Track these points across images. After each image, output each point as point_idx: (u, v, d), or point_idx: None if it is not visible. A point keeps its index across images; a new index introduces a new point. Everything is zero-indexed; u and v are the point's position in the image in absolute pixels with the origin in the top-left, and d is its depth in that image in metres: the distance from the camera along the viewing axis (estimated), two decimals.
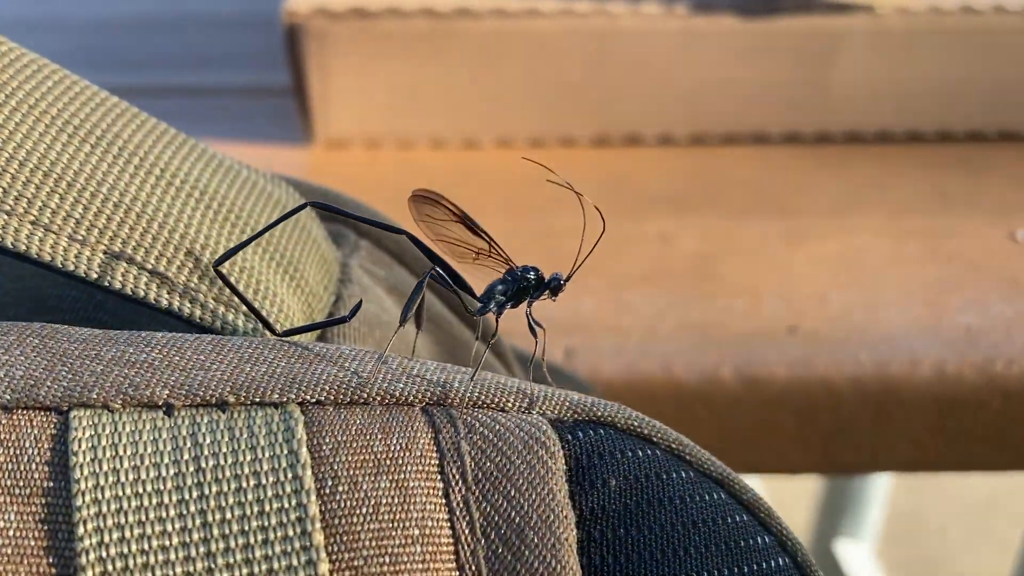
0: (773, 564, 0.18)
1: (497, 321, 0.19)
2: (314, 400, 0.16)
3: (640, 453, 0.18)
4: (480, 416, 0.17)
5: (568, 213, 0.51)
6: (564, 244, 0.47)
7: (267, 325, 0.19)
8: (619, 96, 0.56)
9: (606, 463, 0.17)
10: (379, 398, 0.17)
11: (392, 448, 0.16)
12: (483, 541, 0.16)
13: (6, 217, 0.17)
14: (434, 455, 0.16)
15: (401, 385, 0.17)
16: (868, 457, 0.41)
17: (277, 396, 0.16)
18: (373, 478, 0.15)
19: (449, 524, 0.16)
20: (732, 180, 0.54)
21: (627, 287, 0.44)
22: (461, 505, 0.16)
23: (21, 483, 0.15)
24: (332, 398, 0.16)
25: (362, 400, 0.17)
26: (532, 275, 0.20)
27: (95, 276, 0.18)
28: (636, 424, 0.18)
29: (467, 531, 0.16)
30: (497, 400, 0.17)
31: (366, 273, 0.24)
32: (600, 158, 0.56)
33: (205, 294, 0.19)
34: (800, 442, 0.40)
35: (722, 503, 0.18)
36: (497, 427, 0.17)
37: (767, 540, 0.18)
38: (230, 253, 0.19)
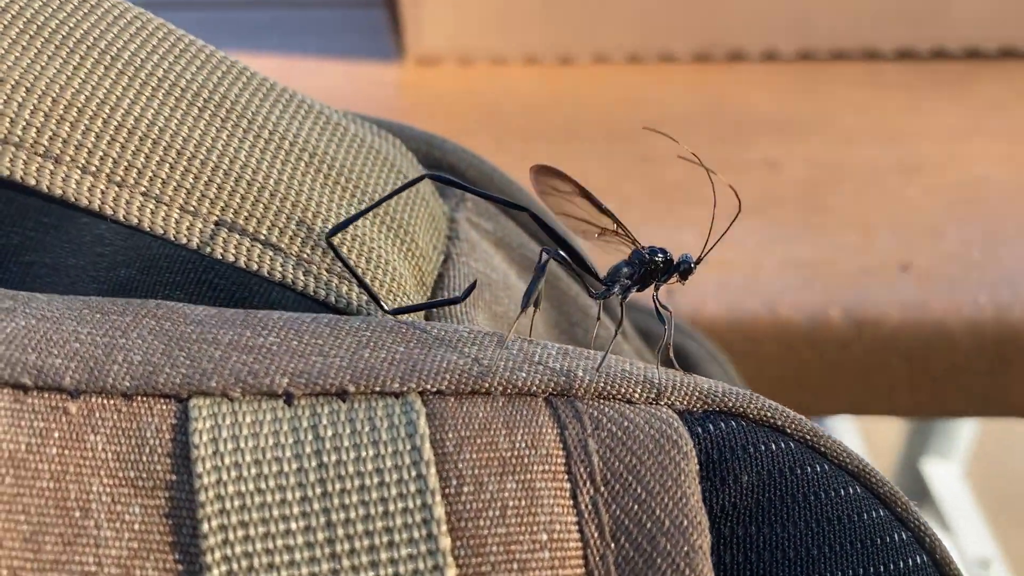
0: (911, 562, 0.17)
1: (622, 305, 0.18)
2: (435, 389, 0.16)
3: (773, 446, 0.17)
4: (606, 410, 0.16)
5: (667, 138, 0.49)
6: (663, 171, 0.46)
7: (377, 302, 0.18)
8: (722, 8, 0.53)
9: (738, 458, 0.16)
10: (501, 388, 0.16)
11: (517, 446, 0.15)
12: (613, 546, 0.15)
13: (117, 189, 0.17)
14: (560, 453, 0.15)
15: (523, 374, 0.16)
16: (980, 402, 0.39)
17: (398, 385, 0.16)
18: (499, 479, 0.15)
19: (578, 528, 0.15)
20: (841, 101, 0.51)
21: (729, 218, 0.42)
22: (590, 508, 0.15)
23: (144, 475, 0.15)
24: (453, 387, 0.16)
25: (484, 390, 0.16)
26: (660, 258, 0.19)
27: (208, 249, 0.17)
28: (769, 415, 0.17)
29: (596, 535, 0.15)
30: (623, 390, 0.16)
31: (473, 227, 0.24)
32: (701, 75, 0.54)
33: (318, 265, 0.18)
34: (909, 386, 0.38)
35: (858, 498, 0.17)
36: (625, 423, 0.16)
37: (904, 536, 0.17)
38: (343, 225, 0.18)
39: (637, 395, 0.16)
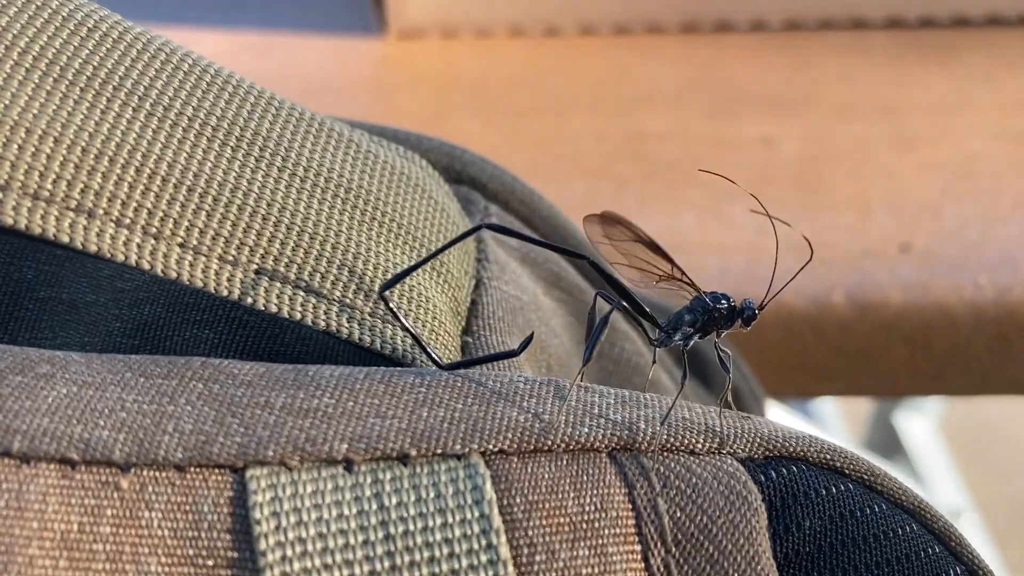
0: None
1: (684, 354, 0.18)
2: (497, 449, 0.15)
3: (834, 490, 0.17)
4: (672, 464, 0.16)
5: (660, 111, 0.49)
6: (657, 149, 0.45)
7: (432, 359, 0.18)
8: None
9: (800, 504, 0.16)
10: (563, 444, 0.15)
11: (586, 509, 0.15)
12: None
13: (154, 242, 0.16)
14: (630, 515, 0.15)
15: (586, 429, 0.16)
16: (979, 381, 0.39)
17: (459, 446, 0.15)
18: (570, 545, 0.15)
19: None
20: (830, 73, 0.51)
21: (728, 199, 0.42)
22: (662, 570, 0.15)
23: (204, 553, 0.14)
24: (516, 446, 0.15)
25: (546, 447, 0.15)
26: (723, 305, 0.18)
27: (249, 299, 0.17)
28: (828, 457, 0.17)
29: None
30: (687, 441, 0.16)
31: (499, 245, 0.23)
32: (688, 47, 0.53)
33: (361, 310, 0.18)
34: (910, 367, 0.39)
35: (915, 536, 0.17)
36: (693, 479, 0.15)
37: (959, 571, 0.17)
38: (396, 279, 0.17)
39: (700, 445, 0.16)
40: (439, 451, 0.15)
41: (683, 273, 0.18)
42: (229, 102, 0.18)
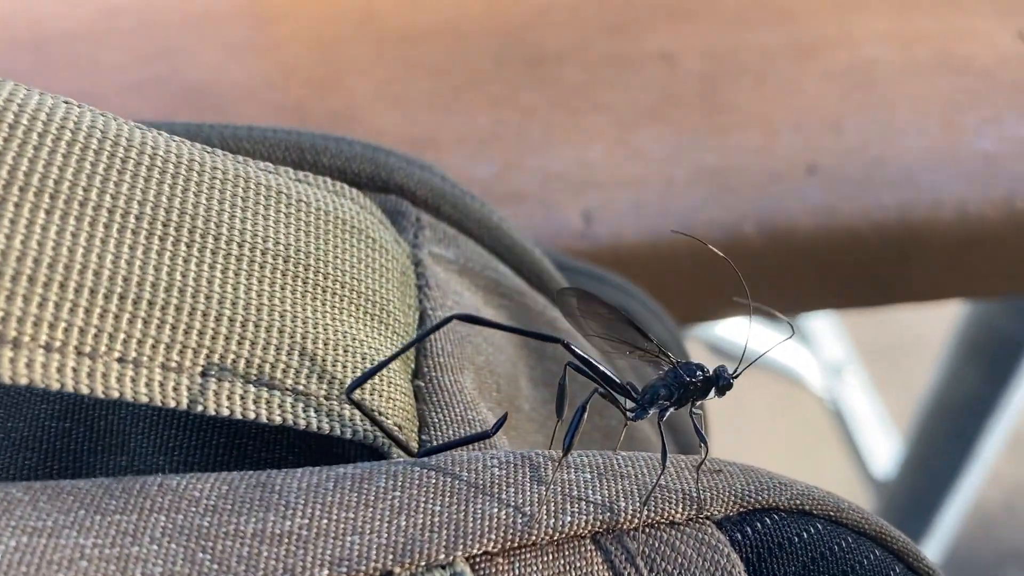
0: None
1: (661, 427, 0.17)
2: (481, 552, 0.15)
3: (804, 535, 0.17)
4: (656, 545, 0.15)
5: (558, 28, 0.47)
6: (560, 73, 0.44)
7: (404, 448, 0.17)
8: None
9: (775, 557, 0.17)
10: (547, 537, 0.15)
11: None
12: None
13: (90, 362, 0.15)
14: None
15: (568, 518, 0.15)
16: (885, 293, 0.41)
17: (443, 555, 0.15)
18: None
19: None
20: None
21: (634, 125, 0.41)
22: None
23: None
24: (500, 546, 0.15)
25: (531, 542, 0.15)
26: (699, 376, 0.18)
27: (199, 407, 0.15)
28: (798, 503, 0.17)
29: None
30: (666, 513, 0.16)
31: (437, 261, 0.22)
32: None
33: (316, 395, 0.17)
34: (819, 287, 0.40)
35: (879, 561, 0.18)
36: (678, 558, 0.15)
37: None
38: (361, 380, 0.16)
39: (680, 515, 0.16)
40: (423, 563, 0.15)
41: (658, 346, 0.18)
42: (148, 180, 0.16)
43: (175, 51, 0.43)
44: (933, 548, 0.88)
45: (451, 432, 0.19)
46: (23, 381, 0.14)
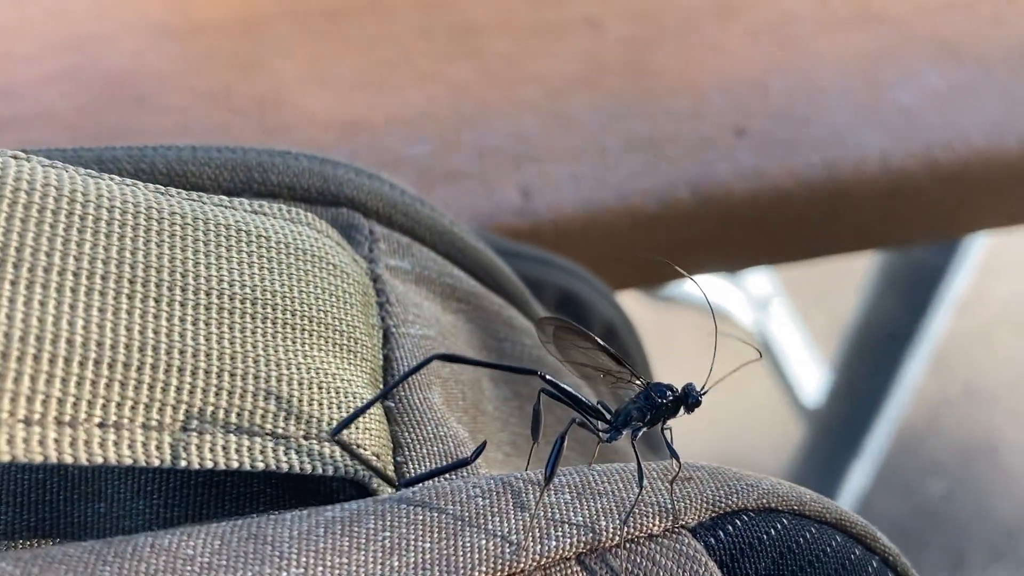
0: None
1: (635, 447, 0.18)
2: None
3: (772, 532, 0.18)
4: (639, 560, 0.16)
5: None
6: (488, 43, 0.44)
7: (386, 479, 0.17)
8: None
9: (747, 556, 0.17)
10: (535, 563, 0.16)
11: None
12: None
13: (71, 431, 0.15)
14: None
15: (553, 543, 0.16)
16: (815, 248, 0.42)
17: None
18: None
19: None
20: None
21: (565, 95, 0.41)
22: None
23: None
24: None
25: (519, 570, 0.16)
26: (670, 396, 0.18)
27: (183, 462, 0.15)
28: (765, 501, 0.18)
29: None
30: (645, 527, 0.17)
31: (393, 274, 0.22)
32: None
33: (296, 436, 0.17)
34: (750, 246, 0.41)
35: (841, 547, 0.19)
36: (660, 572, 0.16)
37: (876, 564, 0.19)
38: (347, 422, 0.17)
39: (657, 527, 0.17)
40: None
41: (631, 370, 0.18)
42: (109, 236, 0.16)
43: (90, 39, 0.42)
44: (862, 468, 0.92)
45: (425, 451, 0.19)
46: (5, 458, 0.14)
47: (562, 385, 0.18)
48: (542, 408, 0.18)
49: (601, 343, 0.18)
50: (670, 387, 0.19)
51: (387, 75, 0.42)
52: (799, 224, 0.40)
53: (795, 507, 0.18)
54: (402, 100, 0.41)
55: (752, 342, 0.19)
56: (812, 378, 1.01)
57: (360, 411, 0.17)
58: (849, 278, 0.95)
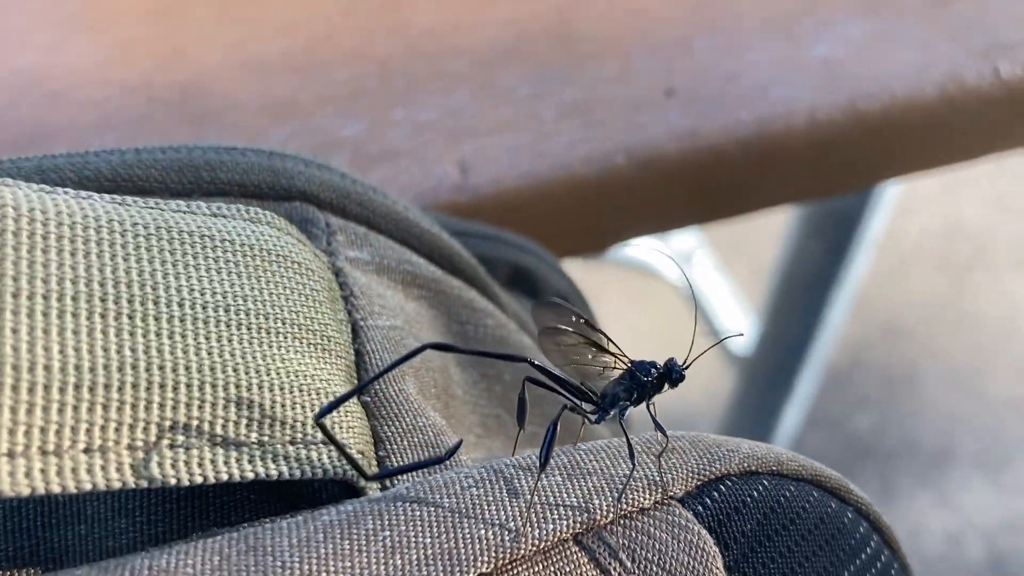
0: (861, 530, 0.20)
1: (623, 426, 0.18)
2: (477, 574, 0.15)
3: (755, 493, 0.18)
4: (634, 535, 0.16)
5: None
6: (411, 14, 0.43)
7: (360, 472, 0.17)
8: None
9: (733, 519, 0.18)
10: (535, 547, 0.16)
11: None
12: None
13: (57, 459, 0.14)
14: None
15: (551, 526, 0.16)
16: (748, 203, 0.43)
17: None
18: None
19: None
20: None
21: (494, 65, 0.41)
22: None
23: None
24: (494, 566, 0.16)
25: (520, 556, 0.16)
26: (654, 373, 0.18)
27: (144, 481, 0.15)
28: (746, 464, 0.18)
29: None
30: (636, 502, 0.17)
31: (354, 265, 0.22)
32: None
33: (281, 440, 0.17)
34: (687, 205, 0.41)
35: (818, 501, 0.19)
36: (656, 545, 0.16)
37: (851, 515, 0.20)
38: (332, 406, 0.16)
39: (647, 500, 0.17)
40: None
41: (619, 350, 0.18)
42: (74, 255, 0.15)
43: None
44: (793, 411, 0.94)
45: (406, 443, 0.19)
46: None
47: (550, 369, 0.18)
48: (526, 394, 0.18)
49: (587, 320, 0.18)
50: (653, 364, 0.19)
51: (312, 55, 0.41)
52: (734, 181, 0.41)
53: (774, 468, 0.19)
54: (330, 79, 0.40)
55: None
56: (740, 328, 1.03)
57: (345, 397, 0.17)
58: (767, 227, 0.97)
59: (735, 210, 0.43)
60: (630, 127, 0.39)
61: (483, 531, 0.16)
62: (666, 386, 0.19)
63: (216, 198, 0.22)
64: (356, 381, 0.20)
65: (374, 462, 0.19)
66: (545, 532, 0.16)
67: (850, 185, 0.45)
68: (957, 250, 1.27)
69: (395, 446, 0.19)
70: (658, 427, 0.18)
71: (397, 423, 0.19)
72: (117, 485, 0.15)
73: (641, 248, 1.02)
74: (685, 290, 1.03)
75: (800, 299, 0.89)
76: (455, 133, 0.38)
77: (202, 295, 0.17)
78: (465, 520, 0.16)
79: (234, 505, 0.18)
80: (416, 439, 0.19)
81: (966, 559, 1.03)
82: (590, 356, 0.19)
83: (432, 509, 0.16)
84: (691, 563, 0.17)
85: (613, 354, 0.19)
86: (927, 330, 1.19)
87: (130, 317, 0.16)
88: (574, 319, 0.18)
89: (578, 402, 0.18)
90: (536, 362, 0.18)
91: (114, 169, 0.21)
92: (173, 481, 0.15)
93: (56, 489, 0.14)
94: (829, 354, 0.92)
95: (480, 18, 0.43)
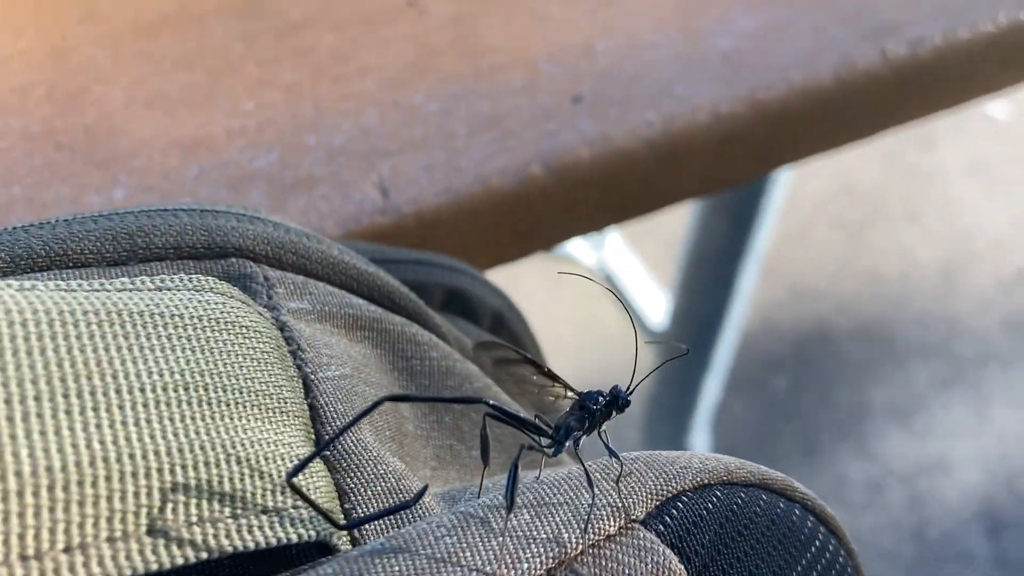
0: (809, 525, 0.21)
1: (578, 455, 0.19)
2: None
3: (710, 505, 0.19)
4: (606, 564, 0.17)
5: None
6: (312, 39, 0.43)
7: (334, 524, 0.18)
8: None
9: (692, 534, 0.19)
10: None
11: None
12: None
13: (38, 563, 0.14)
14: None
15: (526, 564, 0.17)
16: (660, 200, 0.44)
17: None
18: None
19: None
20: None
21: (402, 83, 0.41)
22: None
23: None
24: None
25: None
26: (602, 401, 0.19)
27: (155, 565, 0.15)
28: (700, 479, 0.19)
29: None
30: (602, 530, 0.18)
31: (297, 317, 0.22)
32: None
33: (256, 510, 0.17)
34: (602, 208, 0.42)
35: (768, 504, 0.20)
36: (624, 570, 0.17)
37: (799, 512, 0.21)
38: (303, 464, 0.17)
39: (612, 527, 0.18)
40: None
41: (565, 383, 0.19)
42: (30, 353, 0.15)
43: None
44: (713, 378, 0.97)
45: (369, 493, 0.20)
46: None
47: (506, 408, 0.19)
48: (488, 431, 0.18)
49: (530, 358, 0.19)
50: (600, 392, 0.20)
51: (216, 87, 0.41)
52: (646, 181, 0.42)
53: (724, 478, 0.20)
54: (237, 111, 0.40)
55: (678, 345, 0.20)
56: (655, 304, 1.05)
57: (311, 456, 0.17)
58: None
59: (647, 208, 0.44)
60: (542, 136, 0.40)
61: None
62: (614, 412, 0.20)
63: (153, 263, 0.22)
64: (314, 436, 0.20)
65: (341, 516, 0.19)
66: (520, 572, 0.17)
67: (754, 173, 0.46)
68: (853, 209, 1.31)
69: (359, 497, 0.20)
70: (612, 453, 0.19)
71: (359, 474, 0.20)
72: None
73: None
74: (600, 273, 1.05)
75: (711, 271, 0.92)
76: (370, 155, 0.39)
77: (160, 376, 0.17)
78: (444, 568, 0.17)
79: (210, 570, 0.18)
80: (380, 487, 0.20)
81: (888, 504, 1.08)
82: (538, 389, 0.20)
83: (411, 561, 0.17)
84: None
85: (562, 382, 0.19)
86: (833, 288, 1.23)
87: (94, 409, 0.16)
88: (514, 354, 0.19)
89: (536, 438, 0.19)
90: (492, 402, 0.18)
91: (47, 245, 0.21)
92: (155, 567, 0.16)
93: None
94: (743, 321, 0.94)
95: (381, 36, 0.43)
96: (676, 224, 0.98)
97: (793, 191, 1.25)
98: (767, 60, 0.43)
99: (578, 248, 1.05)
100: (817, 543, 0.21)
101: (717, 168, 0.44)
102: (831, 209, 1.30)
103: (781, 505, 0.21)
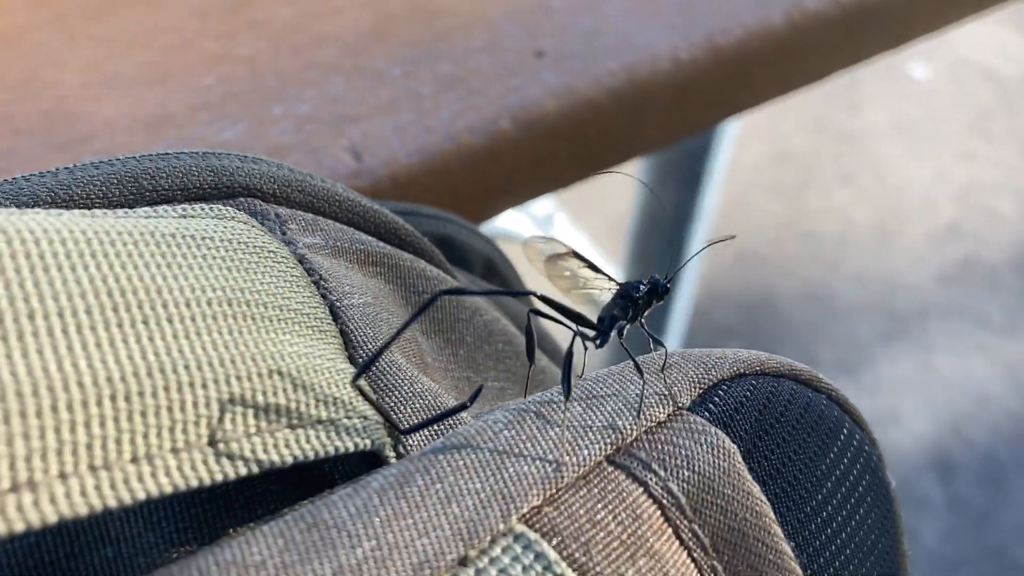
0: (835, 413, 0.22)
1: (624, 344, 0.19)
2: (529, 508, 0.16)
3: (749, 392, 0.20)
4: (662, 447, 0.17)
5: None
6: (265, 11, 0.42)
7: (394, 425, 0.17)
8: None
9: (735, 418, 0.19)
10: (575, 473, 0.17)
11: (625, 522, 0.16)
12: (716, 556, 0.17)
13: (107, 472, 0.14)
14: (654, 508, 0.17)
15: (586, 451, 0.17)
16: (626, 152, 0.44)
17: (503, 525, 0.16)
18: (632, 562, 0.16)
19: (689, 556, 0.17)
20: None
21: (363, 49, 0.41)
22: (691, 536, 0.17)
23: None
24: (543, 497, 0.16)
25: (564, 484, 0.17)
26: (643, 289, 0.19)
27: (219, 476, 0.15)
28: (737, 368, 0.20)
29: (702, 555, 0.17)
30: (653, 416, 0.18)
31: (314, 251, 0.22)
32: None
33: (311, 420, 0.17)
34: (571, 161, 0.43)
35: (798, 392, 0.21)
36: (683, 451, 0.17)
37: (825, 401, 0.22)
38: (368, 364, 0.16)
39: (662, 414, 0.18)
40: (489, 537, 0.16)
41: (608, 274, 0.19)
42: (75, 270, 0.15)
43: None
44: (670, 343, 0.98)
45: (408, 410, 0.20)
46: (52, 519, 0.13)
47: (556, 300, 0.19)
48: (533, 326, 0.18)
49: (582, 256, 0.19)
50: (640, 281, 0.20)
51: (174, 64, 0.40)
52: (611, 131, 0.42)
53: (757, 368, 0.20)
54: (198, 86, 0.39)
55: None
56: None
57: (376, 355, 0.17)
58: (613, 181, 1.01)
59: (615, 160, 0.44)
60: (507, 91, 0.40)
61: (527, 467, 0.17)
62: (654, 301, 0.20)
63: (161, 206, 0.21)
64: (349, 361, 0.20)
65: (386, 434, 0.19)
66: (582, 458, 0.17)
67: (714, 118, 0.47)
68: (789, 174, 1.34)
69: (399, 415, 0.19)
70: (655, 340, 0.19)
71: (397, 392, 0.20)
72: (169, 490, 0.15)
73: (505, 216, 1.03)
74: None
75: (659, 243, 0.92)
76: (339, 121, 0.38)
77: (203, 292, 0.17)
78: (507, 460, 0.17)
79: (256, 499, 0.18)
80: (417, 404, 0.20)
81: None
82: (583, 282, 0.20)
83: (474, 455, 0.17)
84: (716, 461, 0.18)
85: (605, 274, 0.20)
86: (775, 252, 1.25)
87: (144, 323, 0.15)
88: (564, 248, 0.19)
89: (582, 327, 0.19)
90: (541, 293, 0.18)
91: (51, 191, 0.20)
92: (220, 477, 0.15)
93: (112, 504, 0.14)
94: (694, 290, 0.96)
95: (337, 3, 0.43)
96: (621, 202, 0.99)
97: (732, 159, 1.27)
98: (721, 4, 0.44)
99: (526, 228, 1.06)
100: (844, 432, 0.21)
101: (679, 116, 0.44)
102: (768, 175, 1.33)
103: (810, 395, 0.21)
